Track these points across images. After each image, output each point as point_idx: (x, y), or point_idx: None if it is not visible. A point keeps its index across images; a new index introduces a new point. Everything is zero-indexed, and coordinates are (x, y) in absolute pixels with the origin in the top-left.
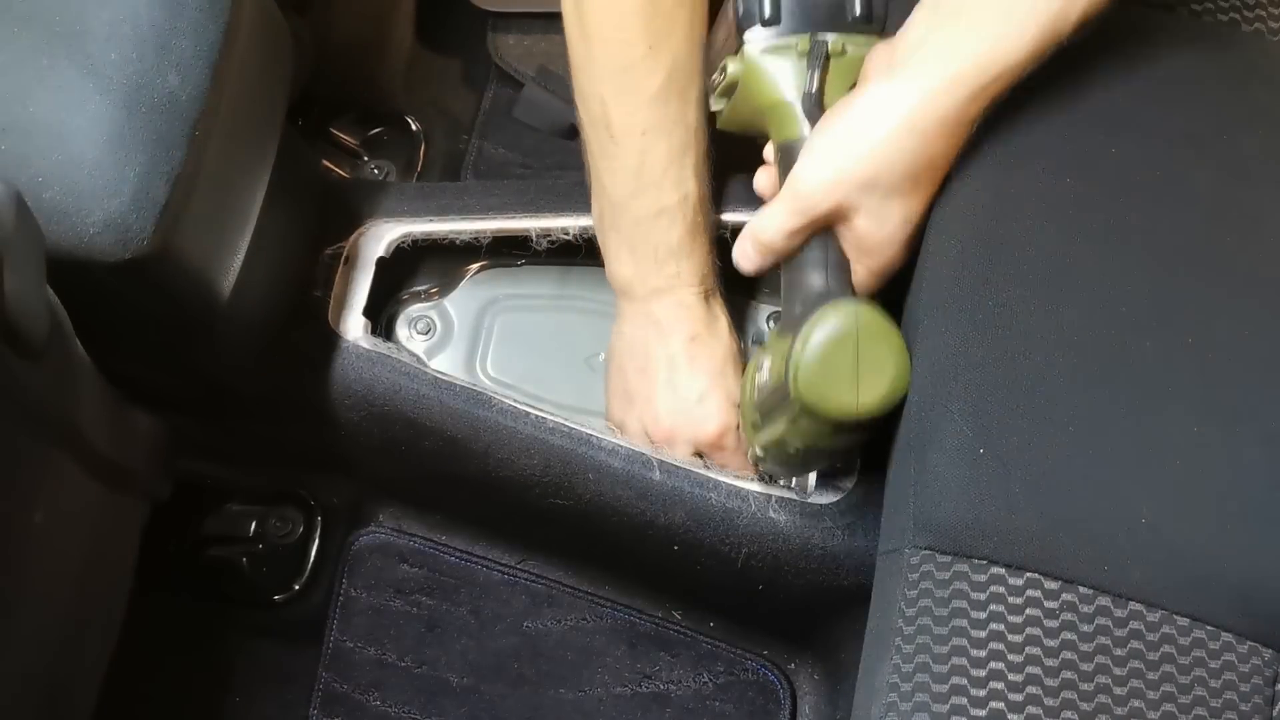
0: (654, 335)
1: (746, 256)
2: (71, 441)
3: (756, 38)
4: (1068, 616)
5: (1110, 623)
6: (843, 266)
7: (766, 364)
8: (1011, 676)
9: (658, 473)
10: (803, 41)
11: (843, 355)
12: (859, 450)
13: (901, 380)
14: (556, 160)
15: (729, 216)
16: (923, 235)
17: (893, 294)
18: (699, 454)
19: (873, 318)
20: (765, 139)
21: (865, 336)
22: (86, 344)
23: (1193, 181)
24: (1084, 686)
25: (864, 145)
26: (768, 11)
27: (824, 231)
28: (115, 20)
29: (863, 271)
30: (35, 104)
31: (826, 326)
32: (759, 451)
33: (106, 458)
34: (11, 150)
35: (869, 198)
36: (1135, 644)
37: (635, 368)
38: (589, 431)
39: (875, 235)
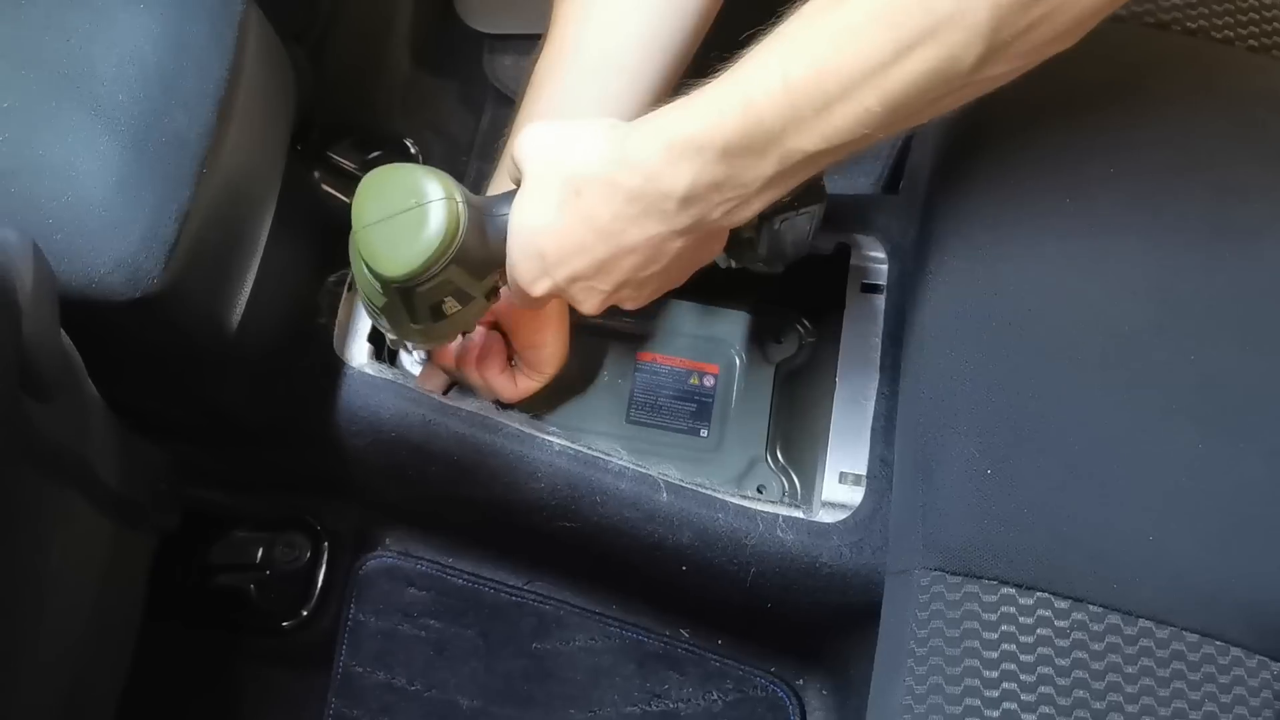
0: None
1: None
2: (83, 480)
3: None
4: (1078, 635)
5: (1120, 640)
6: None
7: None
8: (1024, 696)
9: (665, 494)
10: None
11: (394, 203)
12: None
13: (414, 256)
14: None
15: None
16: None
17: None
18: None
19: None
20: None
21: (416, 209)
22: (95, 378)
23: (1191, 199)
24: (1096, 705)
25: None
26: None
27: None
28: (121, 61)
29: None
30: (44, 146)
31: (388, 175)
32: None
33: (116, 494)
34: (21, 193)
35: None
36: (1145, 661)
37: None
38: (596, 454)
39: None
